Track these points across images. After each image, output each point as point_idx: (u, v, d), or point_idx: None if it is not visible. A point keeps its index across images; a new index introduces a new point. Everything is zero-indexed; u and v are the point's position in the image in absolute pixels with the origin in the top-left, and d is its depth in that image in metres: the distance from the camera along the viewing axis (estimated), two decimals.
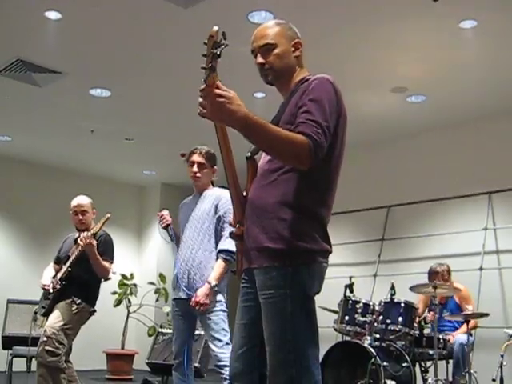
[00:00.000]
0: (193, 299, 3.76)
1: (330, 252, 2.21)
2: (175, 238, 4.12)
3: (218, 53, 1.98)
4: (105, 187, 10.26)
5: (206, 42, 1.99)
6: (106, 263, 4.54)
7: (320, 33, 5.39)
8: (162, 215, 4.14)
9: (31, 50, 6.00)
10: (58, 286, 4.49)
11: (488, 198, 7.23)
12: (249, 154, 2.30)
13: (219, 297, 3.87)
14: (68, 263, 4.52)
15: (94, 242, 4.43)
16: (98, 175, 10.43)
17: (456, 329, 5.90)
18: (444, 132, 7.69)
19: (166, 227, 4.13)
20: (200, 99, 2.00)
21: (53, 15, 5.28)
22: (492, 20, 5.22)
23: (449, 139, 7.70)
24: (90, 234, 4.41)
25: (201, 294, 3.75)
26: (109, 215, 4.52)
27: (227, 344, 3.76)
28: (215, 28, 1.99)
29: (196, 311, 3.78)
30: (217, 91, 1.97)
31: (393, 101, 7.04)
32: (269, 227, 2.15)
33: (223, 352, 3.73)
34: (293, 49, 2.36)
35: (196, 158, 4.05)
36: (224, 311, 3.89)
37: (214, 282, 3.77)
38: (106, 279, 4.68)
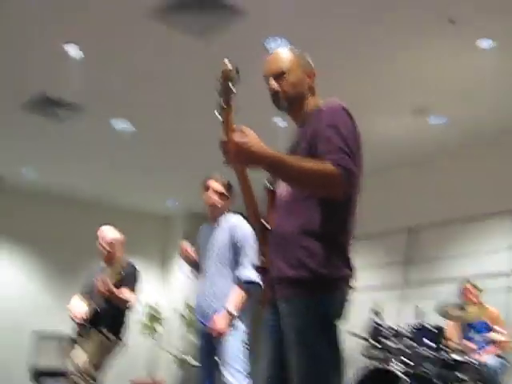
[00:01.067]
0: (210, 324, 3.75)
1: (352, 278, 2.19)
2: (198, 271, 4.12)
3: (232, 87, 1.99)
4: (129, 218, 10.32)
5: (220, 78, 2.02)
6: (127, 295, 4.55)
7: (338, 56, 5.41)
8: (185, 249, 4.12)
9: (56, 85, 6.09)
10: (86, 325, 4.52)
11: None
12: (267, 184, 2.31)
13: (240, 325, 3.82)
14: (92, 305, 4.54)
15: (112, 288, 4.43)
16: (123, 207, 10.49)
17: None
18: (465, 151, 7.60)
19: (188, 261, 4.13)
20: (221, 149, 2.03)
21: (72, 50, 5.38)
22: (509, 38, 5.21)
23: (470, 158, 7.62)
24: (109, 280, 4.42)
25: (218, 320, 3.73)
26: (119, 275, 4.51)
27: (239, 372, 3.71)
28: (229, 65, 2.01)
29: (213, 338, 3.75)
30: (235, 139, 1.99)
31: (413, 123, 7.01)
32: (290, 256, 2.14)
33: (234, 379, 3.69)
34: (306, 77, 2.36)
35: (214, 184, 4.04)
36: (242, 340, 3.82)
37: (230, 308, 3.74)
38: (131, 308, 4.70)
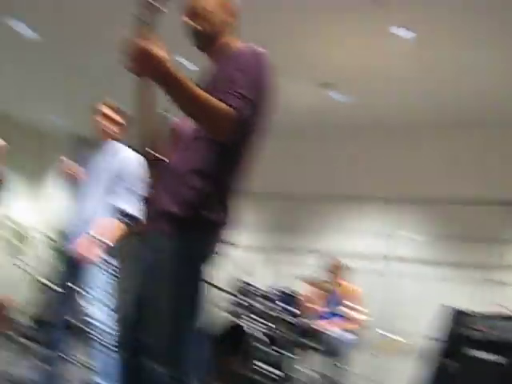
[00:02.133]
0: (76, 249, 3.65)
1: (228, 224, 2.18)
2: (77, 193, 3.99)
3: (157, 5, 1.91)
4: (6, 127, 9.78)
5: None
6: None
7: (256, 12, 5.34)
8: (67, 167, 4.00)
9: None
10: None
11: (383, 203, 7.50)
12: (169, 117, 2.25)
13: (109, 257, 3.76)
14: None
15: None
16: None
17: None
18: (363, 132, 7.78)
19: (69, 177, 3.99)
20: (127, 51, 1.91)
21: None
22: (426, 26, 5.29)
23: (365, 140, 7.88)
24: None
25: (81, 244, 3.64)
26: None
27: (104, 305, 3.68)
28: None
29: (77, 264, 3.68)
30: (146, 45, 1.88)
31: (318, 96, 7.08)
32: (173, 192, 2.10)
33: (92, 308, 3.66)
34: (223, 14, 2.29)
35: (105, 109, 3.96)
36: (107, 272, 3.77)
37: (97, 234, 3.66)
38: None
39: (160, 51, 1.90)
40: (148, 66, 1.90)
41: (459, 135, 7.23)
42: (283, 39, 5.81)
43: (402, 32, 5.32)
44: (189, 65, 6.11)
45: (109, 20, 5.93)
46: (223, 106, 1.99)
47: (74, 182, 3.97)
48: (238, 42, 2.30)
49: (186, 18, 2.25)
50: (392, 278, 7.14)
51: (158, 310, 2.06)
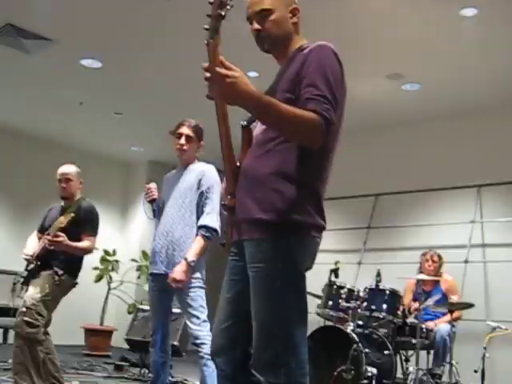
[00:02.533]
0: (170, 275, 3.68)
1: (324, 227, 2.13)
2: (158, 214, 4.04)
3: (223, 13, 1.89)
4: (91, 162, 10.09)
5: (212, 1, 1.90)
6: (84, 244, 4.42)
7: (314, 12, 5.28)
8: (149, 188, 4.07)
9: (22, 14, 5.84)
10: (34, 263, 4.39)
11: (477, 191, 7.20)
12: (245, 123, 2.22)
13: (197, 274, 3.79)
14: (42, 244, 4.40)
15: (61, 239, 4.24)
16: (85, 149, 10.27)
17: (438, 318, 5.88)
18: (436, 122, 7.63)
19: (151, 201, 4.06)
20: (206, 81, 1.91)
21: None
22: (493, 8, 5.14)
23: (440, 130, 7.65)
24: (57, 231, 4.24)
25: (178, 270, 3.67)
26: (72, 214, 4.33)
27: (205, 321, 3.71)
28: None
29: (173, 288, 3.71)
30: (224, 71, 1.89)
31: (387, 88, 6.96)
32: (262, 198, 2.07)
33: (201, 329, 3.67)
34: (290, 15, 2.27)
35: (184, 130, 3.97)
36: (202, 288, 3.81)
37: (191, 259, 3.69)
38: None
39: (238, 75, 1.91)
40: (229, 93, 1.91)
41: None
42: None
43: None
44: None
45: (180, 42, 6.03)
46: (311, 115, 1.96)
47: (159, 205, 4.02)
48: (305, 41, 2.27)
49: (256, 25, 2.23)
50: (486, 266, 6.92)
51: (274, 320, 2.02)
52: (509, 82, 6.53)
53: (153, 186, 4.08)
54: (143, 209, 4.17)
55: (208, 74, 1.91)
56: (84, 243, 4.41)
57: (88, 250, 4.46)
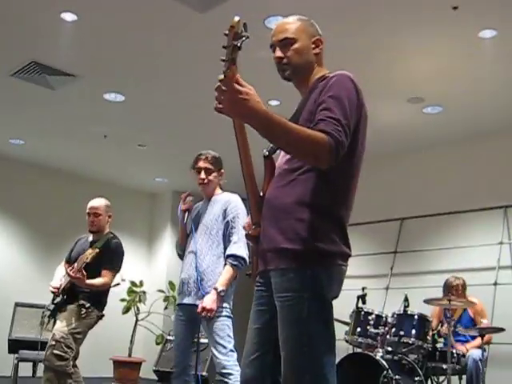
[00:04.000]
0: (200, 305, 3.68)
1: (350, 255, 2.13)
2: (185, 231, 4.06)
3: (239, 44, 1.91)
4: (116, 193, 10.17)
5: (227, 32, 1.93)
6: (99, 280, 4.44)
7: (335, 39, 5.32)
8: (187, 195, 4.09)
9: (46, 52, 5.98)
10: (61, 297, 4.44)
11: (504, 211, 7.12)
12: (266, 153, 2.24)
13: (225, 303, 3.80)
14: (65, 283, 4.46)
15: (83, 276, 4.28)
16: (110, 181, 10.40)
17: (469, 342, 5.79)
18: (459, 144, 7.60)
19: (185, 210, 4.06)
20: (216, 93, 1.91)
21: (69, 17, 5.25)
22: (510, 27, 5.14)
23: (464, 152, 7.61)
24: (81, 265, 4.28)
25: (208, 300, 3.68)
26: (97, 250, 4.37)
27: (231, 351, 3.71)
28: (236, 18, 1.92)
29: (202, 318, 3.71)
30: (236, 86, 1.90)
31: (409, 111, 6.96)
32: (287, 228, 2.08)
33: (227, 359, 3.67)
34: (313, 45, 2.30)
35: (202, 163, 4.02)
36: (229, 317, 3.81)
37: (220, 288, 3.70)
38: (115, 285, 4.62)
39: (251, 92, 1.92)
40: (238, 109, 1.92)
41: None
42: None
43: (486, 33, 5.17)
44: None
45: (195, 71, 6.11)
46: (320, 135, 1.95)
47: (186, 216, 4.04)
48: (326, 71, 2.30)
49: (278, 52, 2.26)
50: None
51: (302, 350, 2.01)
52: None
53: (190, 198, 4.09)
54: (179, 215, 4.14)
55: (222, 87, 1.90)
56: (99, 280, 4.45)
57: (104, 287, 4.50)
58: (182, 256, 4.13)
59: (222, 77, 1.89)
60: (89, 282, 4.35)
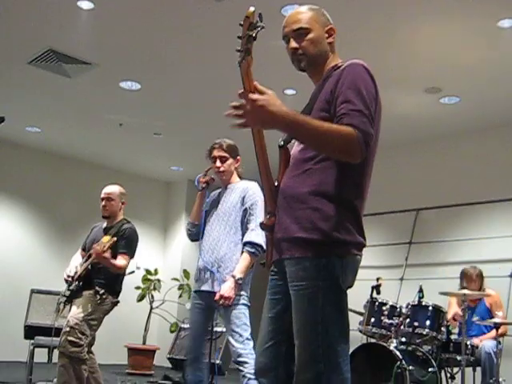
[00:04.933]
0: (217, 293, 3.68)
1: (364, 245, 2.13)
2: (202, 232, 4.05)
3: (254, 35, 1.91)
4: (131, 182, 10.18)
5: (242, 23, 1.92)
6: (120, 262, 4.46)
7: (352, 28, 5.30)
8: (209, 169, 4.07)
9: (63, 40, 6.00)
10: (76, 284, 4.46)
11: None
12: (282, 143, 2.23)
13: (242, 291, 3.79)
14: (85, 264, 4.48)
15: (108, 255, 4.34)
16: (126, 169, 10.44)
17: (483, 334, 5.76)
18: (475, 135, 7.55)
19: (205, 182, 4.03)
20: (234, 110, 1.94)
21: (85, 5, 5.26)
22: None
23: (481, 142, 7.55)
24: (105, 246, 4.31)
25: (226, 287, 3.67)
26: (115, 239, 4.39)
27: (248, 339, 3.69)
28: (251, 9, 1.93)
29: (219, 305, 3.71)
30: (254, 97, 1.91)
31: (426, 101, 6.91)
32: (302, 217, 2.08)
33: (243, 348, 3.66)
34: (326, 35, 2.29)
35: (217, 152, 4.02)
36: (246, 305, 3.81)
37: (238, 276, 3.70)
38: (130, 273, 4.63)
39: (268, 98, 1.93)
40: (262, 118, 1.94)
41: None
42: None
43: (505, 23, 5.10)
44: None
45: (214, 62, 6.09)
46: (347, 129, 1.96)
47: (203, 224, 4.02)
48: (339, 60, 2.29)
49: (293, 43, 2.25)
50: None
51: (317, 338, 2.01)
52: None
53: (211, 171, 4.07)
54: (197, 186, 4.08)
55: (243, 102, 1.92)
56: (120, 261, 4.46)
57: (122, 268, 4.51)
58: (191, 234, 4.12)
59: (240, 92, 1.92)
60: (112, 261, 4.39)
